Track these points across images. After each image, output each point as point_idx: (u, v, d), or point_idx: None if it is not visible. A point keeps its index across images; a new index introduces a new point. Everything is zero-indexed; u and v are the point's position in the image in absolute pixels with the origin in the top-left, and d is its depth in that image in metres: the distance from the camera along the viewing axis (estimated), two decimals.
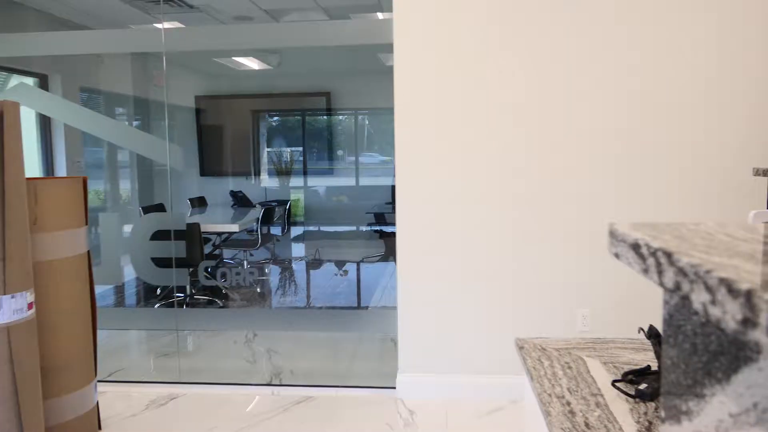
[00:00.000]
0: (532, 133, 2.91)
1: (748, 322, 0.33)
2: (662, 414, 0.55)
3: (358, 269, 6.29)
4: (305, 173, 7.76)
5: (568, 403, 1.24)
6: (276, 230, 6.60)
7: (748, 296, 0.33)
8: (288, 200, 7.16)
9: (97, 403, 2.72)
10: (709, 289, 0.37)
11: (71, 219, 2.45)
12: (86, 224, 2.58)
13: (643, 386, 1.26)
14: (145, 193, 6.31)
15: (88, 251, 2.63)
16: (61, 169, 4.79)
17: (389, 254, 6.13)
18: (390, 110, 2.99)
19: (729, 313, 0.35)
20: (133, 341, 4.19)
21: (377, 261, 6.41)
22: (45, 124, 4.75)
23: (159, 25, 3.38)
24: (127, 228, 3.70)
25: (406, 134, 2.98)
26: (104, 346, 3.88)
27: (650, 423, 1.16)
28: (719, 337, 0.44)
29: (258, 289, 5.43)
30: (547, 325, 3.01)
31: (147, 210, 4.64)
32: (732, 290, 0.35)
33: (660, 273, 0.45)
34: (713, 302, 0.37)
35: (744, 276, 0.36)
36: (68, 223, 2.44)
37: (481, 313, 3.03)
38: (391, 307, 3.24)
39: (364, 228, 7.02)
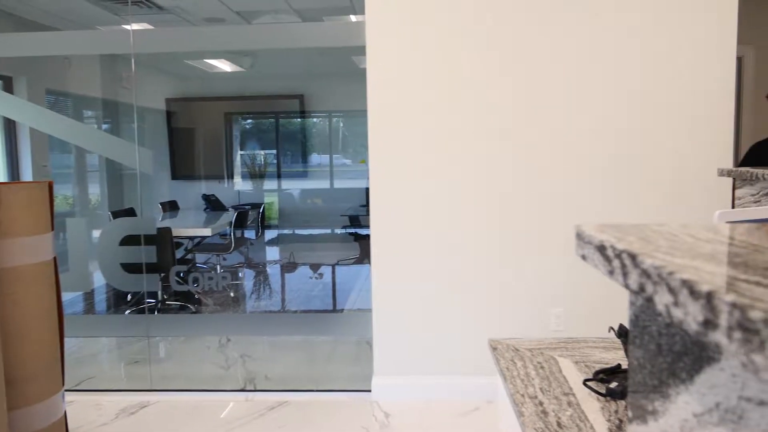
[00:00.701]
0: (506, 135, 2.93)
1: (709, 324, 0.33)
2: (629, 414, 0.55)
3: (333, 272, 6.27)
4: (279, 176, 7.71)
5: (541, 403, 1.24)
6: (250, 234, 6.54)
7: (709, 298, 0.34)
8: (262, 203, 7.10)
9: (65, 412, 2.65)
10: (671, 290, 0.38)
11: (36, 224, 2.39)
12: (52, 230, 2.52)
13: (613, 385, 1.28)
14: (115, 197, 6.19)
15: (54, 257, 2.57)
16: (26, 174, 4.67)
17: (364, 257, 6.12)
18: (364, 113, 2.99)
19: (691, 315, 0.35)
20: (103, 349, 4.11)
21: (352, 263, 6.40)
22: (10, 127, 4.63)
23: (127, 27, 3.32)
24: (97, 233, 3.62)
25: (379, 136, 2.98)
26: (73, 355, 3.80)
27: (621, 421, 1.17)
28: (683, 337, 0.45)
29: (232, 294, 5.37)
30: (521, 326, 3.04)
31: (117, 215, 4.55)
32: (693, 292, 0.35)
33: (625, 275, 0.45)
34: (676, 304, 0.37)
35: (705, 277, 0.36)
36: (33, 229, 2.37)
37: (455, 314, 3.04)
38: (366, 309, 3.24)
39: (338, 231, 7.00)
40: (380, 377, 3.11)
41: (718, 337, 0.33)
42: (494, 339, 1.65)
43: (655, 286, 0.40)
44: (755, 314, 0.30)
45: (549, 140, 2.93)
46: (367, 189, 3.07)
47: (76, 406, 3.07)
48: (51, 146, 5.26)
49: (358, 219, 6.43)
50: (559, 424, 1.15)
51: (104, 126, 6.72)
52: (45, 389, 2.49)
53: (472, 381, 3.05)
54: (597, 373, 1.35)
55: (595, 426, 1.14)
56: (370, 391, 3.13)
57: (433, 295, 3.04)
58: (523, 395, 1.28)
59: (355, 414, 2.96)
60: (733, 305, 0.31)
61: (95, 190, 6.50)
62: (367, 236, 3.11)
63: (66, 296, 4.61)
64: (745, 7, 2.98)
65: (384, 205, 3.01)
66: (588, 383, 1.33)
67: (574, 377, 1.37)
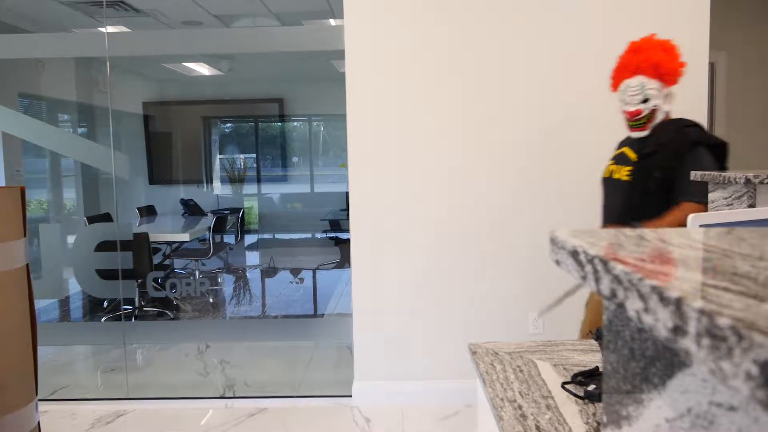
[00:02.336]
0: (486, 138, 2.95)
1: (679, 330, 0.33)
2: (604, 419, 0.55)
3: (313, 276, 6.23)
4: (259, 180, 7.65)
5: (520, 407, 1.25)
6: (229, 239, 6.48)
7: (678, 304, 0.34)
8: (241, 208, 7.04)
9: (39, 423, 2.60)
10: (642, 296, 0.38)
11: (8, 230, 2.34)
12: (25, 236, 2.46)
13: (591, 387, 1.29)
14: (91, 202, 6.09)
15: (27, 264, 2.51)
16: None
17: (345, 261, 6.10)
18: (344, 116, 2.98)
19: (661, 321, 0.35)
20: (79, 357, 4.03)
21: (333, 268, 6.37)
22: None
23: (103, 29, 3.28)
24: (72, 239, 3.56)
25: (359, 140, 2.97)
26: (47, 363, 3.72)
27: (599, 424, 1.18)
28: (655, 343, 0.45)
29: (211, 300, 5.31)
30: (500, 329, 3.05)
31: (92, 220, 4.48)
32: (663, 298, 0.35)
33: (597, 280, 0.45)
34: (646, 310, 0.37)
35: (674, 283, 0.36)
36: (5, 235, 2.32)
37: (435, 319, 3.04)
38: (347, 314, 3.22)
39: (319, 235, 6.97)
40: (361, 382, 3.10)
41: (688, 343, 0.33)
42: (474, 343, 1.65)
43: (626, 292, 0.40)
44: (723, 321, 0.30)
45: (527, 145, 2.95)
46: (347, 193, 3.07)
47: (50, 415, 3.00)
48: (25, 150, 5.16)
49: (338, 223, 6.41)
50: (537, 428, 1.15)
51: (80, 130, 6.62)
52: (18, 399, 2.44)
53: (452, 385, 3.05)
54: (575, 376, 1.36)
55: (573, 429, 1.15)
56: (350, 396, 3.11)
57: (413, 300, 3.04)
58: (502, 399, 1.29)
59: (335, 419, 2.94)
60: (701, 312, 0.31)
61: (70, 195, 6.39)
62: (348, 240, 3.10)
63: (40, 303, 4.51)
64: (717, 13, 3.03)
65: (364, 209, 3.01)
66: (566, 386, 1.33)
67: (553, 380, 1.38)
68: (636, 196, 2.14)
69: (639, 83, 2.10)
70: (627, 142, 2.31)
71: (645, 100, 2.11)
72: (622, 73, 2.16)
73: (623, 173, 2.19)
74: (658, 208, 2.10)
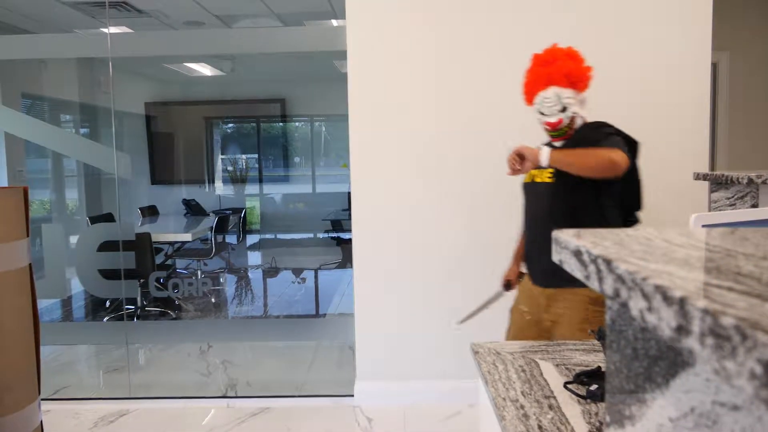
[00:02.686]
0: (489, 137, 2.95)
1: (682, 330, 0.34)
2: (607, 418, 0.55)
3: (315, 276, 6.24)
4: (261, 180, 7.66)
5: (522, 407, 1.25)
6: (231, 239, 6.49)
7: (682, 303, 0.34)
8: (243, 208, 7.05)
9: (42, 422, 2.60)
10: (645, 296, 0.38)
11: (11, 230, 2.34)
12: (28, 236, 2.47)
13: (594, 387, 1.29)
14: (93, 202, 6.10)
15: (30, 264, 2.52)
16: (2, 179, 4.58)
17: (346, 261, 6.11)
18: (346, 117, 2.98)
19: (664, 321, 0.35)
20: (81, 357, 4.04)
21: (335, 268, 6.38)
22: None
23: (105, 30, 3.29)
24: (74, 239, 3.57)
25: (360, 140, 2.97)
26: (50, 363, 3.73)
27: (601, 424, 1.18)
28: (658, 342, 0.45)
29: (213, 299, 5.32)
30: (502, 329, 3.04)
31: (95, 220, 4.49)
32: (666, 297, 0.35)
33: (600, 280, 0.45)
34: (650, 309, 0.37)
35: (678, 283, 0.36)
36: (8, 235, 2.33)
37: (437, 318, 3.04)
38: (349, 314, 3.22)
39: (321, 235, 6.98)
40: (363, 382, 3.10)
41: (691, 343, 0.33)
42: (476, 343, 1.65)
43: (629, 292, 0.40)
44: (727, 320, 0.30)
45: (531, 144, 2.95)
46: (349, 193, 3.07)
47: (53, 415, 3.01)
48: (27, 151, 5.18)
49: (340, 223, 6.42)
50: (540, 428, 1.15)
51: (82, 130, 6.63)
52: (20, 398, 2.44)
53: (454, 385, 3.05)
54: (577, 375, 1.36)
55: (575, 429, 1.15)
56: (352, 396, 3.11)
57: (415, 299, 3.04)
58: (504, 399, 1.29)
59: (337, 419, 2.94)
60: (705, 311, 0.32)
61: (73, 195, 6.40)
62: (350, 240, 3.10)
63: (43, 303, 4.52)
64: (719, 14, 3.03)
65: (366, 209, 3.01)
66: (568, 386, 1.33)
67: (555, 380, 1.38)
68: (561, 194, 2.09)
69: (554, 94, 2.09)
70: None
71: (563, 109, 2.10)
72: (534, 86, 2.15)
73: (545, 176, 2.14)
74: (584, 208, 2.06)
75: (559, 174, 2.07)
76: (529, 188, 2.27)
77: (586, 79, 2.14)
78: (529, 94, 2.20)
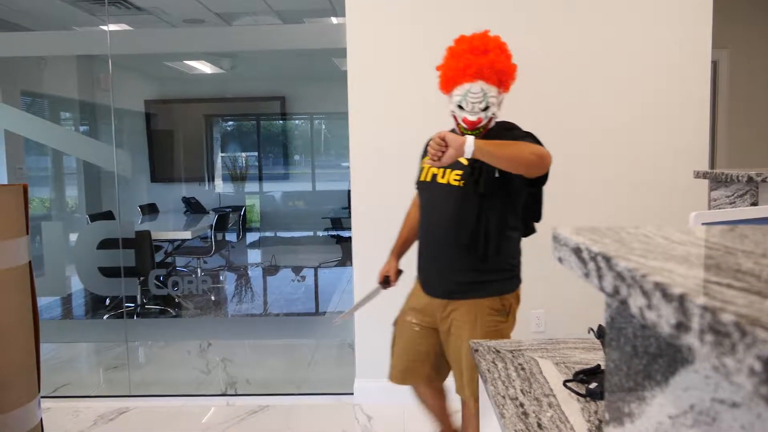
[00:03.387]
0: None
1: (682, 327, 0.33)
2: (606, 416, 0.55)
3: (315, 275, 6.24)
4: (261, 178, 7.66)
5: (522, 405, 1.25)
6: (231, 237, 6.49)
7: (681, 300, 0.34)
8: (243, 206, 7.05)
9: (41, 420, 2.60)
10: (645, 293, 0.38)
11: (10, 228, 2.34)
12: (27, 233, 2.47)
13: (593, 385, 1.29)
14: (93, 200, 6.10)
15: (30, 261, 2.52)
16: (1, 177, 4.58)
17: (346, 259, 6.11)
18: (346, 114, 2.98)
19: (664, 318, 0.35)
20: (81, 354, 4.04)
21: (334, 266, 6.38)
22: None
23: (105, 27, 3.28)
24: (74, 237, 3.57)
25: (360, 138, 2.97)
26: (50, 360, 3.73)
27: (600, 422, 1.18)
28: (658, 340, 0.45)
29: (212, 297, 5.32)
30: None
31: (94, 218, 4.48)
32: (666, 295, 0.35)
33: (600, 277, 0.45)
34: (649, 306, 0.37)
35: (677, 280, 0.36)
36: (7, 233, 2.33)
37: None
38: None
39: (321, 233, 6.97)
40: (363, 380, 3.10)
41: (691, 340, 0.33)
42: (475, 340, 1.65)
43: (629, 289, 0.40)
44: (726, 317, 0.30)
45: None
46: (349, 191, 3.07)
47: (52, 413, 3.01)
48: (27, 148, 5.17)
49: (340, 221, 6.42)
50: (539, 425, 1.16)
51: (82, 128, 6.62)
52: (20, 396, 2.44)
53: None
54: (577, 373, 1.36)
55: (575, 427, 1.15)
56: (352, 394, 3.11)
57: None
58: (504, 397, 1.29)
59: (337, 417, 2.94)
60: (705, 308, 0.32)
61: (73, 193, 6.40)
62: (349, 238, 3.10)
63: (42, 301, 4.53)
64: (719, 12, 3.03)
65: (365, 207, 3.01)
66: (568, 384, 1.33)
67: (555, 378, 1.38)
68: (469, 201, 1.91)
69: (481, 90, 1.89)
70: None
71: (485, 108, 1.92)
72: (460, 76, 1.92)
73: (451, 177, 1.95)
74: (489, 218, 1.92)
75: (469, 176, 1.91)
76: (429, 188, 2.04)
77: (513, 79, 1.98)
78: (450, 81, 1.97)
